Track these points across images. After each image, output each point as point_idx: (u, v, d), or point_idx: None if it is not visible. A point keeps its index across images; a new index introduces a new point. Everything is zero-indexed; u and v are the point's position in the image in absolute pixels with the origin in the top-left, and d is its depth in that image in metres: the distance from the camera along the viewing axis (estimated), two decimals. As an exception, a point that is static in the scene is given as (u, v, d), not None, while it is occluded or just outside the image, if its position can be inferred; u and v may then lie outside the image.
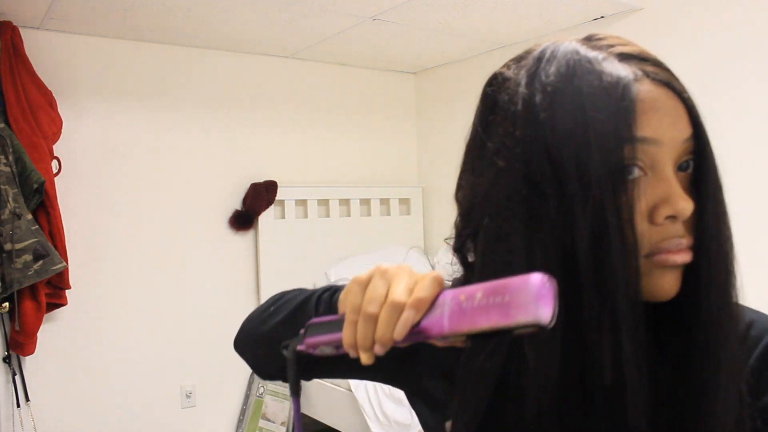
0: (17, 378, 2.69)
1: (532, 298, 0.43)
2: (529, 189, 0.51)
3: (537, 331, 0.44)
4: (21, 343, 2.62)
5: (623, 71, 0.51)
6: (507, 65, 0.58)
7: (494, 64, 0.60)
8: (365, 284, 0.53)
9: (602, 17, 2.83)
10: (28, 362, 2.74)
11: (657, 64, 0.54)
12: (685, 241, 0.52)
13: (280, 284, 3.35)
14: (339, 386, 2.87)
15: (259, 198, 3.27)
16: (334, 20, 2.82)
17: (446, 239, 0.68)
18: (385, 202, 3.73)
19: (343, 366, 0.70)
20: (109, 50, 2.98)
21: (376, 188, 3.70)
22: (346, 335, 0.52)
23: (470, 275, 0.62)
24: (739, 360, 0.55)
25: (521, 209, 0.51)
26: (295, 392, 0.58)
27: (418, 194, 3.84)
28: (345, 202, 3.60)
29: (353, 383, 2.74)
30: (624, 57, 0.53)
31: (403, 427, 2.47)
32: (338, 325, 0.54)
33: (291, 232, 3.41)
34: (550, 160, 0.50)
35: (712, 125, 0.56)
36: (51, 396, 2.79)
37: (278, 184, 3.33)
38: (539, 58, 0.54)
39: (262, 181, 3.31)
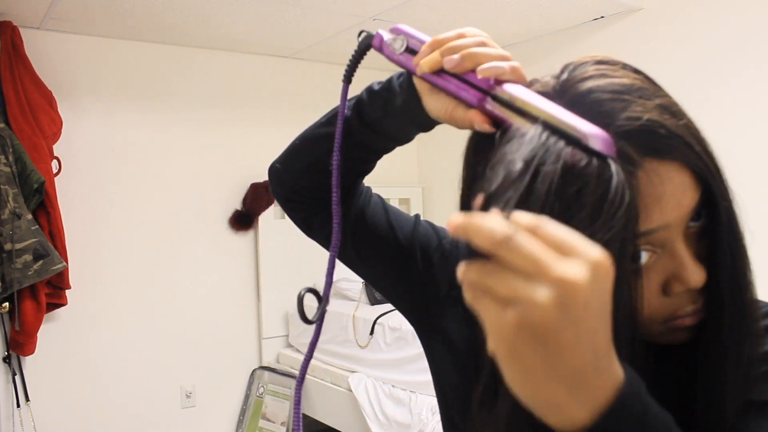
0: (17, 378, 2.69)
1: (597, 130, 0.45)
2: None
3: (574, 148, 0.44)
4: (21, 343, 2.62)
5: (615, 168, 0.44)
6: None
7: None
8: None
9: (602, 17, 2.83)
10: (28, 362, 2.74)
11: (660, 121, 0.48)
12: (698, 305, 0.52)
13: (280, 284, 3.36)
14: (339, 386, 2.87)
15: (259, 198, 3.27)
16: (334, 20, 2.82)
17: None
18: (385, 202, 3.73)
19: (389, 254, 0.75)
20: (109, 50, 2.98)
21: (376, 188, 3.66)
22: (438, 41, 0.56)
23: None
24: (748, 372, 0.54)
25: None
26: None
27: (418, 194, 3.84)
28: (345, 202, 3.60)
29: (353, 383, 2.74)
30: (622, 135, 0.47)
31: (403, 427, 2.47)
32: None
33: (291, 232, 3.36)
34: None
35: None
36: (51, 396, 2.79)
37: (278, 184, 3.32)
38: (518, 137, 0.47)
39: (262, 181, 3.31)
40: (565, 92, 0.50)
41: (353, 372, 2.83)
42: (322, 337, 3.06)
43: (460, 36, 0.56)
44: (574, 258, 0.36)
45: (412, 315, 0.77)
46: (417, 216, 0.82)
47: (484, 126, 0.53)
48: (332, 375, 2.93)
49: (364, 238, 0.77)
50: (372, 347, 2.76)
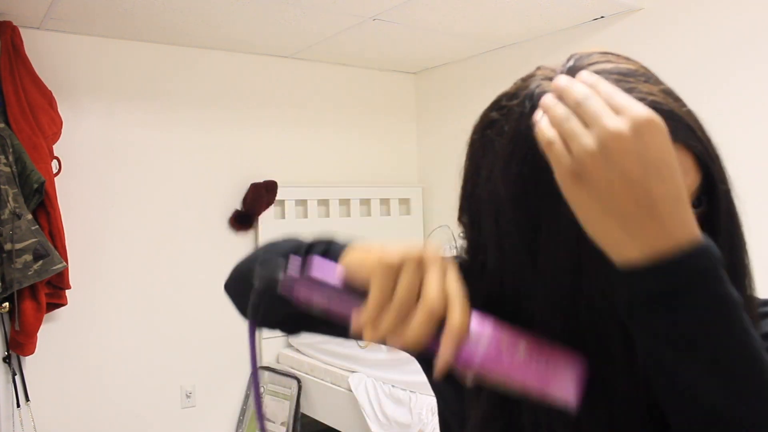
0: (17, 378, 2.69)
1: (572, 378, 0.43)
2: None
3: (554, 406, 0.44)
4: (21, 343, 2.62)
5: None
6: (510, 96, 0.55)
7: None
8: (396, 270, 0.48)
9: (602, 17, 2.83)
10: (28, 362, 2.74)
11: (665, 91, 0.51)
12: None
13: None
14: (339, 386, 2.87)
15: (259, 198, 3.27)
16: (334, 20, 2.82)
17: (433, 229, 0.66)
18: (385, 202, 3.73)
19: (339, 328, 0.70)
20: (109, 50, 2.98)
21: (376, 188, 3.70)
22: (368, 312, 0.48)
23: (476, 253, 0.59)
24: None
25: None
26: (254, 325, 0.55)
27: (418, 194, 3.84)
28: (345, 202, 3.60)
29: (353, 383, 2.74)
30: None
31: (403, 427, 2.47)
32: (340, 294, 0.50)
33: (291, 232, 3.40)
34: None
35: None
36: (51, 396, 2.79)
37: (278, 184, 3.33)
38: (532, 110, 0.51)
39: (262, 181, 3.31)
40: (572, 75, 0.51)
41: (353, 372, 2.83)
42: (322, 337, 3.06)
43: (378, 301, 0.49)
44: (623, 115, 0.42)
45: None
46: None
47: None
48: (332, 375, 2.93)
49: (315, 329, 0.75)
50: (372, 347, 2.76)
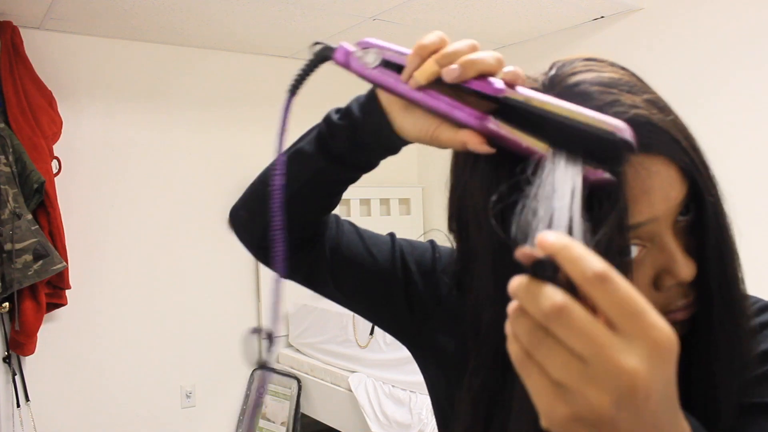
0: (17, 378, 2.69)
1: (622, 123, 0.43)
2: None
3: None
4: (21, 343, 2.62)
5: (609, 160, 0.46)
6: None
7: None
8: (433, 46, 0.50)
9: (602, 17, 2.83)
10: (28, 362, 2.74)
11: (649, 101, 0.49)
12: (690, 298, 0.52)
13: (280, 284, 3.35)
14: (339, 386, 2.87)
15: (259, 198, 3.27)
16: (334, 20, 2.82)
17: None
18: (385, 202, 3.73)
19: (373, 282, 0.71)
20: (109, 50, 2.98)
21: (376, 188, 3.70)
22: (419, 48, 0.50)
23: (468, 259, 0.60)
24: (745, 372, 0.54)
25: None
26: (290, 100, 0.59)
27: (418, 194, 3.84)
28: (345, 202, 3.60)
29: (353, 383, 2.74)
30: (608, 105, 0.48)
31: (403, 427, 2.47)
32: (388, 67, 0.52)
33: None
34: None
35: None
36: (51, 396, 2.79)
37: (278, 184, 3.32)
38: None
39: (262, 181, 3.30)
40: (554, 86, 0.51)
41: (353, 372, 2.83)
42: (321, 337, 3.07)
43: (444, 41, 0.50)
44: (635, 336, 0.32)
45: (403, 336, 0.75)
46: (392, 235, 0.80)
47: (483, 147, 0.49)
48: (332, 375, 2.93)
49: (345, 272, 0.73)
50: (372, 347, 2.76)
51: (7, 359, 2.67)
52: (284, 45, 3.22)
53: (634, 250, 0.50)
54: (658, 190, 0.49)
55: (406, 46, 0.53)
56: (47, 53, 2.82)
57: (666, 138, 0.49)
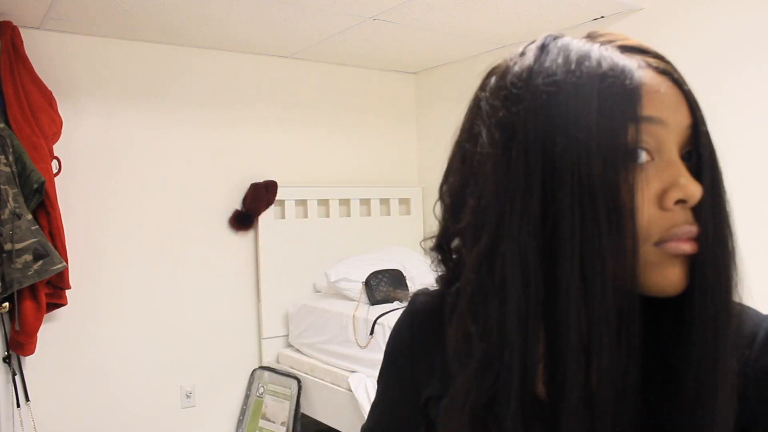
0: (17, 378, 2.69)
1: None
2: (526, 176, 0.50)
3: None
4: (21, 343, 2.62)
5: (626, 60, 0.52)
6: (509, 57, 0.58)
7: (494, 64, 0.60)
8: None
9: (602, 17, 2.83)
10: (28, 362, 2.74)
11: (658, 56, 0.55)
12: (695, 228, 0.51)
13: (280, 284, 3.36)
14: (339, 386, 2.87)
15: (259, 198, 3.27)
16: (334, 20, 2.82)
17: (422, 241, 0.67)
18: (385, 202, 3.74)
19: None
20: (109, 50, 2.98)
21: (376, 188, 3.70)
22: None
23: (454, 273, 0.61)
24: (734, 368, 0.53)
25: (516, 201, 0.50)
26: None
27: (418, 194, 3.84)
28: (345, 202, 3.60)
29: (353, 383, 2.74)
30: (626, 49, 0.54)
31: (403, 427, 2.47)
32: None
33: (291, 232, 3.41)
34: (551, 144, 0.49)
35: (712, 124, 0.56)
36: (51, 396, 2.79)
37: (278, 184, 3.33)
38: (541, 48, 0.54)
39: (262, 181, 3.31)
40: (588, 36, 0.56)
41: (353, 372, 2.83)
42: (321, 337, 3.07)
43: None
44: None
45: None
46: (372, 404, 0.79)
47: None
48: (332, 375, 2.93)
49: None
50: (372, 347, 2.76)
51: (7, 359, 2.67)
52: (284, 45, 3.22)
53: (643, 156, 0.50)
54: (670, 98, 0.52)
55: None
56: (47, 53, 2.82)
57: (680, 78, 0.54)
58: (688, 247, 0.51)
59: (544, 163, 0.50)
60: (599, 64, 0.51)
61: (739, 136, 2.38)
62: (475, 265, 0.53)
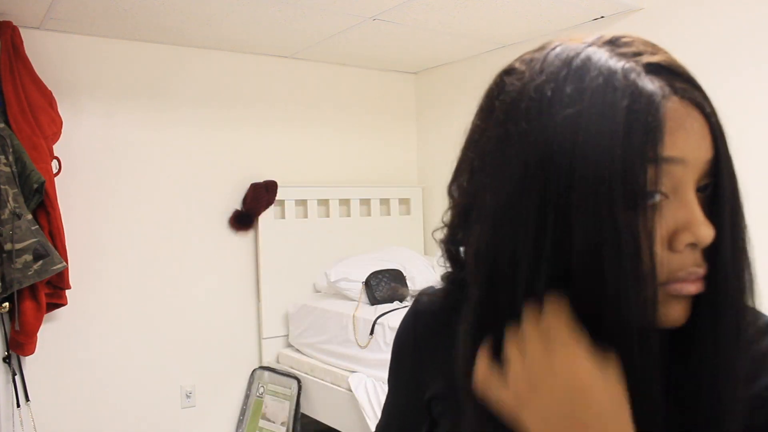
0: (17, 378, 2.69)
1: None
2: (539, 209, 0.48)
3: None
4: (21, 343, 2.62)
5: (651, 86, 0.48)
6: (527, 63, 0.56)
7: (494, 64, 0.60)
8: None
9: (602, 17, 2.83)
10: (28, 362, 2.74)
11: (687, 79, 0.52)
12: (701, 270, 0.51)
13: (280, 284, 3.36)
14: (339, 386, 2.87)
15: (259, 198, 3.27)
16: (334, 20, 2.82)
17: (434, 231, 0.67)
18: (385, 202, 3.73)
19: None
20: (109, 50, 2.98)
21: (376, 188, 3.70)
22: None
23: (460, 271, 0.61)
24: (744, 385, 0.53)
25: (529, 229, 0.48)
26: None
27: (418, 194, 3.84)
28: (345, 202, 3.60)
29: (353, 383, 2.74)
30: (652, 69, 0.50)
31: (403, 427, 2.47)
32: None
33: (291, 232, 3.41)
34: (568, 171, 0.47)
35: (735, 152, 0.55)
36: (51, 396, 2.79)
37: (278, 184, 3.33)
38: (563, 63, 0.51)
39: (262, 181, 3.31)
40: (598, 39, 0.52)
41: (353, 372, 2.83)
42: (321, 337, 3.07)
43: None
44: None
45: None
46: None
47: None
48: (332, 375, 2.93)
49: None
50: (372, 347, 2.76)
51: (7, 359, 2.67)
52: (284, 45, 3.22)
53: (656, 196, 0.49)
54: (693, 133, 0.50)
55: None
56: (47, 53, 2.82)
57: (709, 106, 0.52)
58: (693, 288, 0.50)
59: (558, 190, 0.47)
60: (623, 94, 0.47)
61: (739, 135, 2.38)
62: (484, 284, 0.53)
